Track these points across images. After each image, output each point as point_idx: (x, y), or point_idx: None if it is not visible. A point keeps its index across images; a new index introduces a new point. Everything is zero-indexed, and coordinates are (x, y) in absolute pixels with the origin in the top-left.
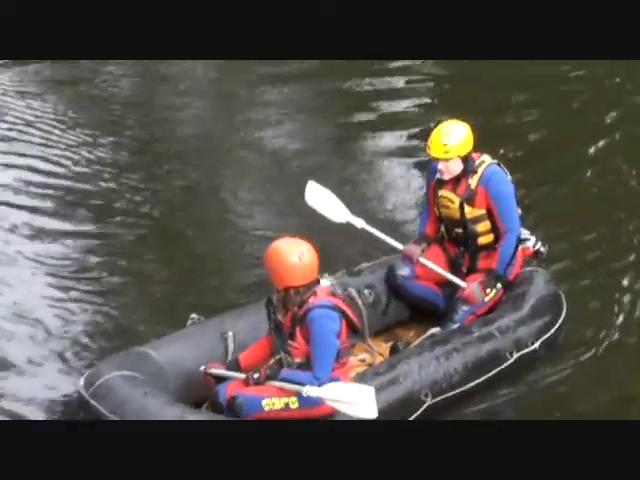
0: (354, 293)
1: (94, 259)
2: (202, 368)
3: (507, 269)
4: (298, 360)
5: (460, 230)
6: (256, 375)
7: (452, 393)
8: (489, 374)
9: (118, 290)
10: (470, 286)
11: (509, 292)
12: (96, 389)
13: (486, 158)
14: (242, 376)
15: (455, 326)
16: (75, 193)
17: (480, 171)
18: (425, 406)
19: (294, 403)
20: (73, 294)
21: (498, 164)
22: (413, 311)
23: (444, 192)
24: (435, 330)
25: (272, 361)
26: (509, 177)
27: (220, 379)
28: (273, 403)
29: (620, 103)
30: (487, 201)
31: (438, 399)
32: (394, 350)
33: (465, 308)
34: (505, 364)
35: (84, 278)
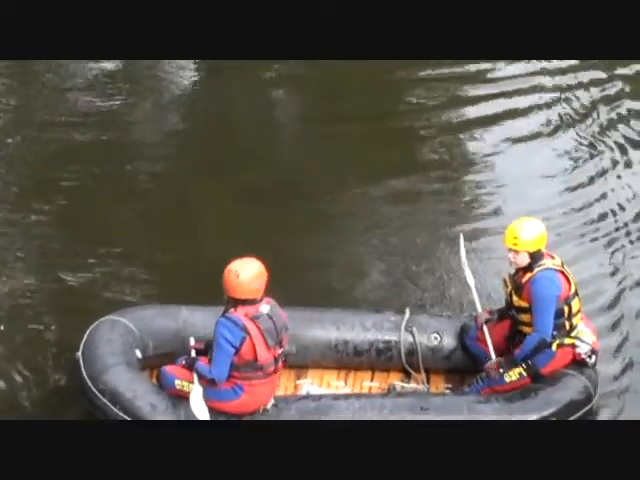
0: (415, 331)
1: None
2: (191, 339)
3: (526, 360)
4: None
5: (511, 313)
6: (183, 361)
7: None
8: None
9: None
10: (491, 361)
11: (535, 384)
12: (98, 324)
13: (548, 262)
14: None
15: (466, 390)
16: None
17: (535, 272)
18: None
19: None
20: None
21: (557, 270)
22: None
23: (506, 276)
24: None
25: None
26: (561, 284)
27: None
28: (183, 385)
29: None
30: (530, 299)
31: None
32: (389, 391)
33: (483, 378)
34: None
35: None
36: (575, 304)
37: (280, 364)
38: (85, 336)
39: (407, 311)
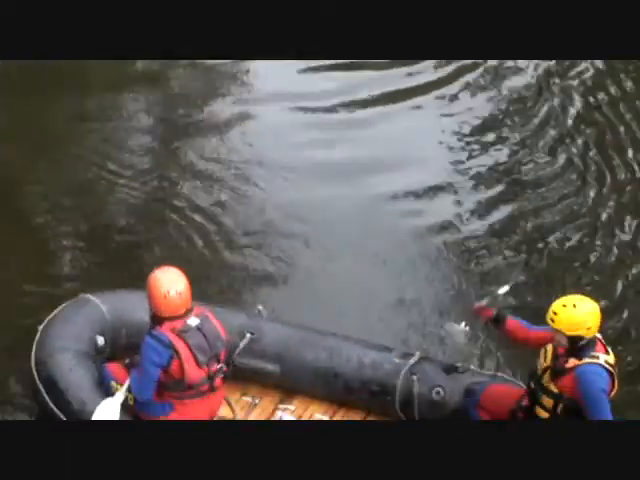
0: (416, 380)
1: None
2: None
3: None
4: None
5: (532, 386)
6: (127, 360)
7: None
8: None
9: None
10: None
11: None
12: (73, 301)
13: (602, 356)
14: None
15: None
16: None
17: (585, 361)
18: None
19: (131, 400)
20: None
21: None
22: None
23: (549, 347)
24: None
25: None
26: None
27: None
28: (117, 388)
29: None
30: (572, 391)
31: None
32: None
33: None
34: None
35: None
36: None
37: (218, 382)
38: (55, 311)
39: (417, 355)
